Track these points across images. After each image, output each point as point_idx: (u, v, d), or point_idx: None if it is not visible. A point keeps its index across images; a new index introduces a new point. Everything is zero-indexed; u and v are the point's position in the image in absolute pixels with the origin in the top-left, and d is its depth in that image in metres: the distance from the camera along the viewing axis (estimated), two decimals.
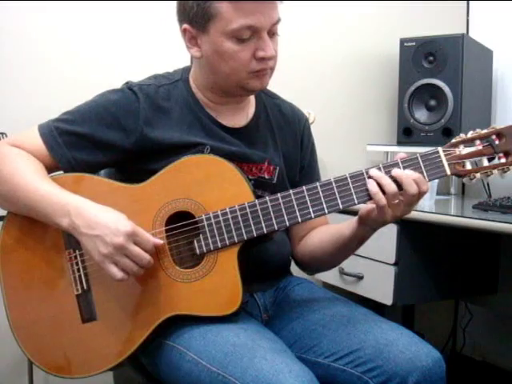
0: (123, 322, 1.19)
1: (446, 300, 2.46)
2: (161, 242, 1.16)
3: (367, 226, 1.21)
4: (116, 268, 1.11)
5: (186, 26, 1.22)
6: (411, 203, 1.14)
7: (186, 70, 1.33)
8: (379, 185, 1.12)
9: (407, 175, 1.11)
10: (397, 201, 1.12)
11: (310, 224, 1.38)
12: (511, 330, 2.35)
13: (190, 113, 1.28)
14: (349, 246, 1.29)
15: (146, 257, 1.12)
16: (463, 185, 2.49)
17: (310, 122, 1.48)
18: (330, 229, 1.35)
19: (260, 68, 1.20)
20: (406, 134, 2.23)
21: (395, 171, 1.12)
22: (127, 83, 1.29)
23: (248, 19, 1.15)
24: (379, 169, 1.13)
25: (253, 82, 1.22)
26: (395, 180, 1.11)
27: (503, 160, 1.11)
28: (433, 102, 2.19)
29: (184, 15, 1.21)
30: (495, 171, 1.12)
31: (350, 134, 2.40)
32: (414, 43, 2.19)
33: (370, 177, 1.13)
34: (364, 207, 1.18)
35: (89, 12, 1.93)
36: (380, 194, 1.12)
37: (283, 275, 1.43)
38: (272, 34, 1.21)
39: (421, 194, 1.12)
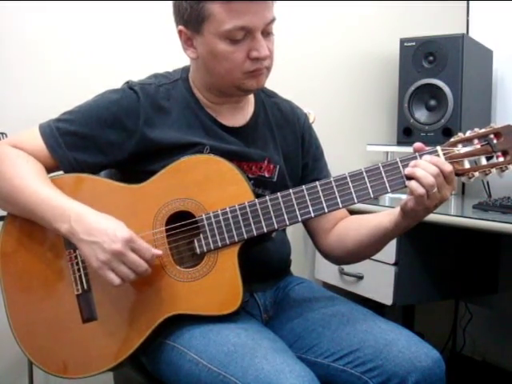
0: (123, 322, 1.19)
1: (446, 300, 2.46)
2: (160, 252, 1.15)
3: (410, 218, 1.17)
4: (113, 274, 1.10)
5: (181, 27, 1.22)
6: (442, 186, 1.11)
7: (186, 69, 1.33)
8: (414, 177, 1.10)
9: (425, 160, 1.10)
10: (435, 190, 1.09)
11: (333, 215, 1.35)
12: (511, 330, 2.35)
13: (189, 113, 1.28)
14: (390, 238, 1.27)
15: (143, 265, 1.11)
16: (463, 185, 2.49)
17: (310, 121, 1.48)
18: (367, 222, 1.30)
19: (255, 68, 1.20)
20: (406, 133, 2.23)
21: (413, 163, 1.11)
22: (128, 82, 1.29)
23: (240, 20, 1.14)
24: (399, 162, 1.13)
25: (248, 81, 1.22)
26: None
27: (501, 159, 1.12)
28: (433, 102, 2.20)
29: (179, 17, 1.22)
30: (493, 170, 1.12)
31: (350, 134, 2.40)
32: (413, 43, 2.19)
33: (406, 175, 1.12)
34: (404, 199, 1.15)
35: (89, 12, 1.92)
36: (413, 182, 1.10)
37: (283, 275, 1.43)
38: (267, 33, 1.20)
39: (445, 175, 1.10)
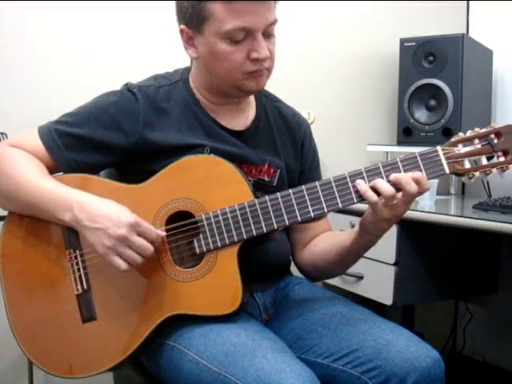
0: (123, 322, 1.19)
1: (446, 300, 2.46)
2: (164, 233, 1.16)
3: (368, 234, 1.20)
4: (120, 259, 1.11)
5: (182, 26, 1.23)
6: (410, 201, 1.13)
7: (187, 70, 1.33)
8: (374, 188, 1.12)
9: (406, 176, 1.11)
10: (395, 201, 1.12)
11: (312, 230, 1.38)
12: (511, 330, 2.35)
13: (189, 114, 1.28)
14: (352, 257, 1.29)
15: (150, 247, 1.12)
16: (463, 185, 2.49)
17: (310, 122, 1.49)
18: (333, 238, 1.33)
19: (255, 69, 1.20)
20: (406, 133, 2.23)
21: (393, 176, 1.11)
22: (127, 84, 1.29)
23: (241, 21, 1.15)
24: (378, 172, 1.14)
25: (248, 82, 1.22)
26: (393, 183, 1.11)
27: (502, 159, 1.12)
28: (433, 102, 2.20)
29: (181, 16, 1.22)
30: (494, 170, 1.12)
31: (350, 134, 2.41)
32: (413, 43, 2.19)
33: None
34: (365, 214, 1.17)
35: (89, 12, 1.92)
36: (370, 191, 1.12)
37: (283, 275, 1.43)
38: (268, 35, 1.20)
39: (421, 193, 1.12)
